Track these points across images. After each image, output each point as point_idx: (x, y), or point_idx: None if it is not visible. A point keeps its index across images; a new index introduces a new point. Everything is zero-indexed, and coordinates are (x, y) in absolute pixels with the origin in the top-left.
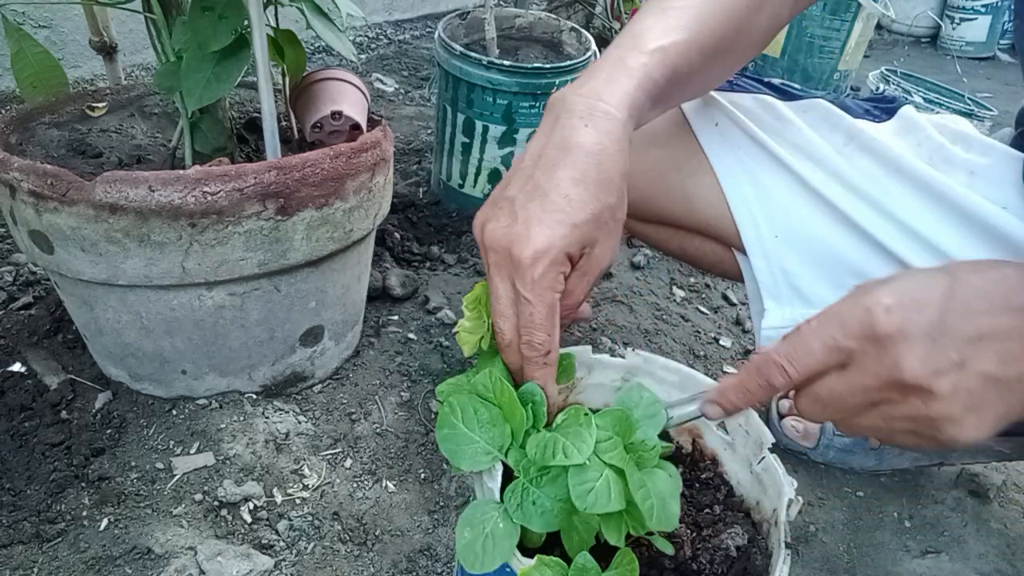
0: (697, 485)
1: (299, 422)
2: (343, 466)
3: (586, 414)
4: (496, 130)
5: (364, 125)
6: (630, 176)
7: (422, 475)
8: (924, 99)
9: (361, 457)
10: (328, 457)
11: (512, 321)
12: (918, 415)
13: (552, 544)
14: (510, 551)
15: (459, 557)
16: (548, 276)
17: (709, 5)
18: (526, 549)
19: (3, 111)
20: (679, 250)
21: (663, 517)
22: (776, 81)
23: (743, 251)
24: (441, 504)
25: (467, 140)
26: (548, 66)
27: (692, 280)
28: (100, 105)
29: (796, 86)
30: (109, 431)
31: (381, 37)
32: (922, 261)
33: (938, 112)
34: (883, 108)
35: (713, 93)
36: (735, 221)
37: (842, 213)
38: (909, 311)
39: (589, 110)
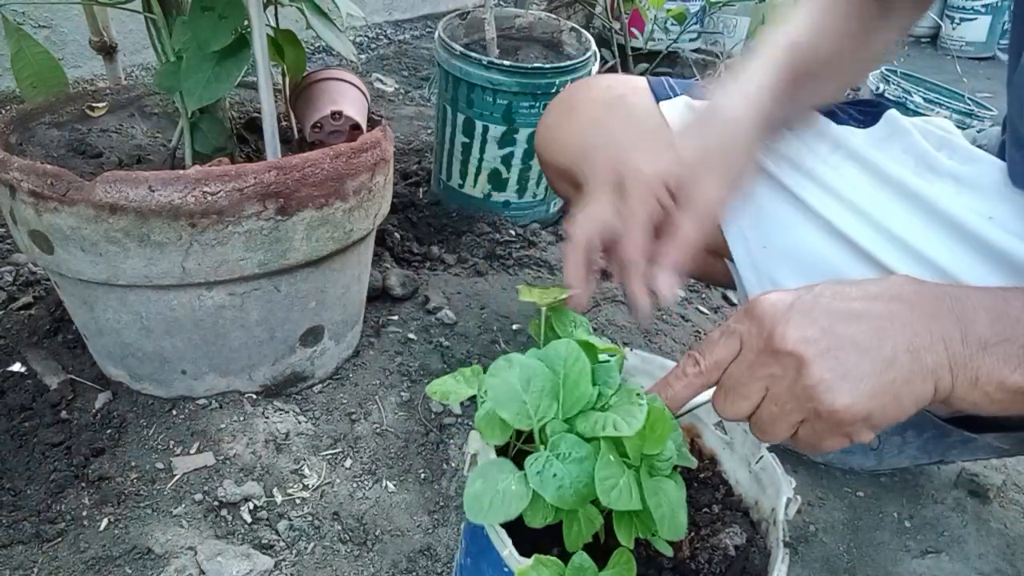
0: (695, 484)
1: (299, 422)
2: (343, 466)
3: (638, 394)
4: (496, 130)
5: (364, 125)
6: None
7: (422, 475)
8: (924, 99)
9: (361, 457)
10: (328, 457)
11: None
12: (796, 386)
13: (550, 544)
14: (516, 511)
15: (465, 504)
16: (640, 195)
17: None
18: (523, 531)
19: (3, 111)
20: None
21: (673, 526)
22: None
23: (733, 260)
24: (441, 504)
25: (467, 140)
26: (548, 66)
27: (692, 280)
28: (100, 105)
29: None
30: (109, 431)
31: (381, 37)
32: (909, 270)
33: (936, 113)
34: (868, 112)
35: (698, 104)
36: (722, 231)
37: (830, 224)
38: (788, 295)
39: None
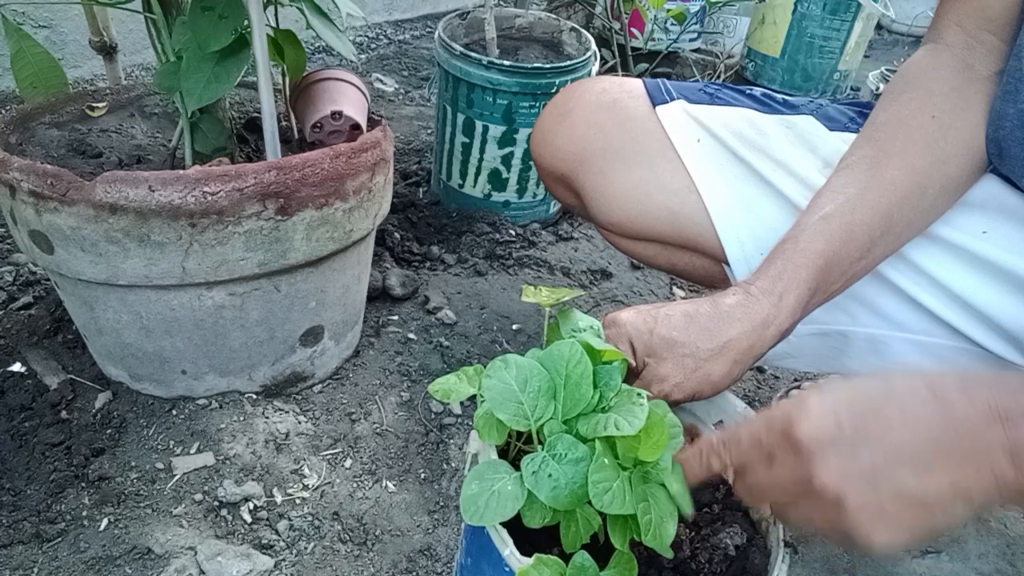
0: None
1: (299, 422)
2: (343, 466)
3: (639, 394)
4: (496, 130)
5: (364, 125)
6: (614, 196)
7: (422, 475)
8: None
9: (361, 457)
10: (328, 457)
11: None
12: (832, 520)
13: (551, 544)
14: (512, 512)
15: (461, 505)
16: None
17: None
18: (520, 530)
19: (3, 111)
20: (668, 265)
21: (658, 535)
22: (758, 92)
23: (730, 265)
24: (441, 504)
25: (467, 140)
26: (548, 66)
27: (690, 283)
28: (100, 105)
29: (778, 97)
30: (109, 431)
31: (381, 37)
32: (902, 277)
33: None
34: (865, 116)
35: (695, 108)
36: (720, 239)
37: None
38: (829, 421)
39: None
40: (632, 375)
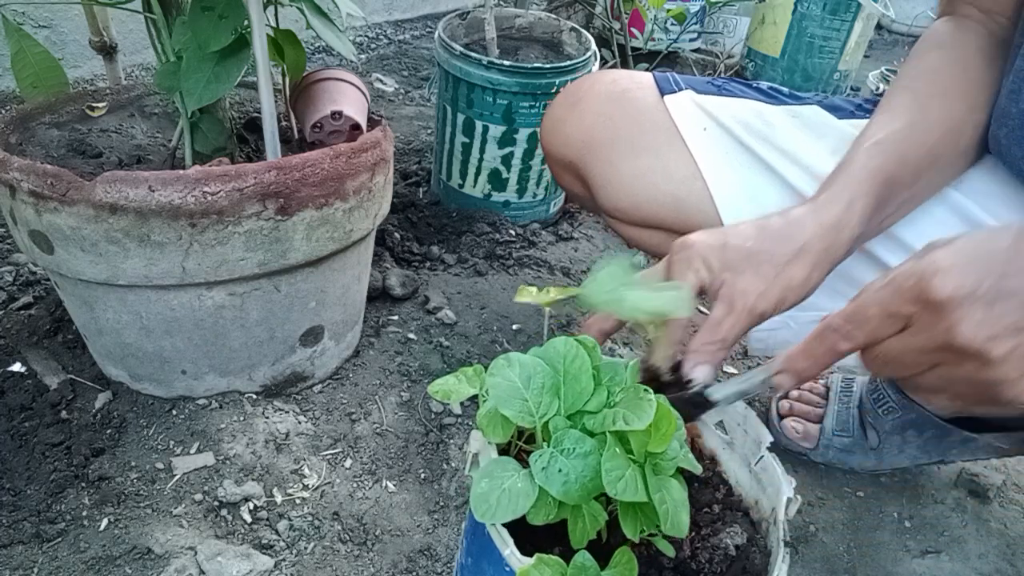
0: (696, 484)
1: (299, 422)
2: (343, 466)
3: (646, 390)
4: (496, 130)
5: (364, 125)
6: (621, 184)
7: (422, 475)
8: None
9: (361, 457)
10: (328, 457)
11: None
12: (974, 378)
13: (551, 544)
14: (523, 509)
15: (471, 504)
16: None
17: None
18: (524, 531)
19: (3, 111)
20: None
21: (675, 524)
22: (764, 85)
23: None
24: (441, 504)
25: (467, 140)
26: (548, 66)
27: None
28: (100, 105)
29: (784, 90)
30: (109, 431)
31: (381, 37)
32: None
33: None
34: (870, 112)
35: (703, 98)
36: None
37: None
38: (966, 274)
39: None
40: (708, 294)
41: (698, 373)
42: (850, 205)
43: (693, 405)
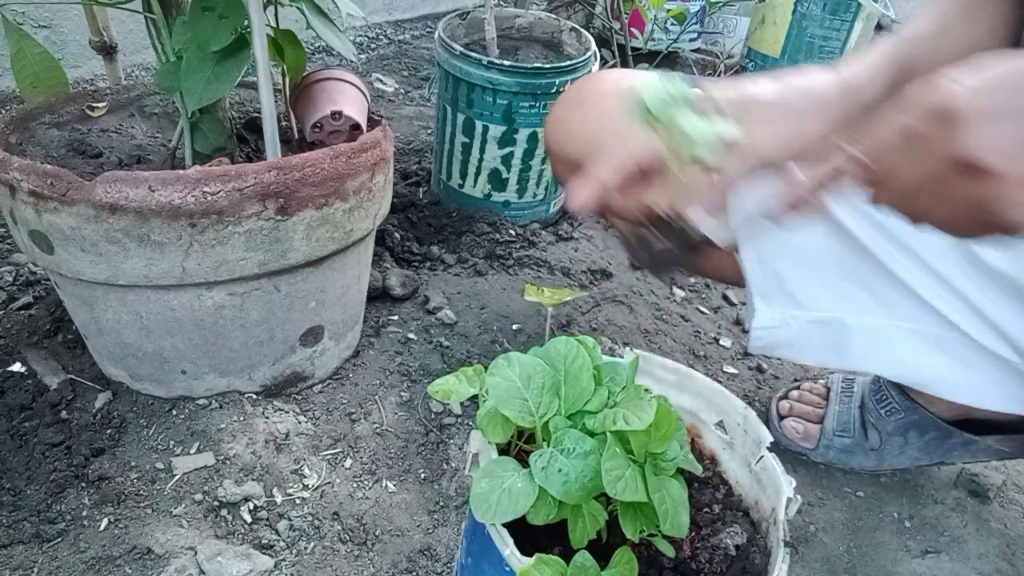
0: (696, 484)
1: (299, 422)
2: (343, 466)
3: (647, 390)
4: (496, 130)
5: (364, 125)
6: None
7: (422, 475)
8: None
9: (361, 457)
10: (328, 457)
11: None
12: (980, 202)
13: (550, 544)
14: (524, 508)
15: (471, 504)
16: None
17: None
18: (524, 531)
19: (3, 111)
20: None
21: (675, 524)
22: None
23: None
24: (441, 504)
25: (467, 140)
26: (548, 66)
27: (692, 280)
28: (100, 105)
29: None
30: (109, 431)
31: (381, 37)
32: (914, 271)
33: None
34: None
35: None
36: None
37: (834, 220)
38: (990, 90)
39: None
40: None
41: (694, 212)
42: (871, 77)
43: (681, 243)
